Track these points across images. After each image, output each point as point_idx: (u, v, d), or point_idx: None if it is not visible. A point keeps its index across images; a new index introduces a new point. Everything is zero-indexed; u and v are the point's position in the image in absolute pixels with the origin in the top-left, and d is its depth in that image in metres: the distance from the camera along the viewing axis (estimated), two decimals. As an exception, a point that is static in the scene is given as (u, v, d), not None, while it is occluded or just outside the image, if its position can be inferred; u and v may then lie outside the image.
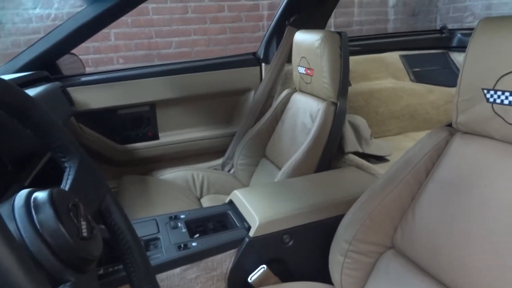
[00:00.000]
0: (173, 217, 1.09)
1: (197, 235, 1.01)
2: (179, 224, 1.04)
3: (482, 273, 0.70)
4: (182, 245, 0.94)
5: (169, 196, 1.50)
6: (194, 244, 0.95)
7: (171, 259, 0.90)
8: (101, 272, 0.83)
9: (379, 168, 1.26)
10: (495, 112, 0.75)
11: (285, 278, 1.01)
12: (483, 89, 0.76)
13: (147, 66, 1.75)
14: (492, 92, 0.75)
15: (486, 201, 0.74)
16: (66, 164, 0.56)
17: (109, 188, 0.63)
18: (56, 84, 1.44)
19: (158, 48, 2.78)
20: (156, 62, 2.79)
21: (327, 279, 0.96)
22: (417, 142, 0.92)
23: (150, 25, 2.74)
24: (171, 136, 1.80)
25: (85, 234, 0.45)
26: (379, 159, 1.50)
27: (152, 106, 1.74)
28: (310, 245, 1.04)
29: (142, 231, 1.02)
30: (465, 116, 0.83)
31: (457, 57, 2.11)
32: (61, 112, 1.38)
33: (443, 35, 2.16)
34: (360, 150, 1.45)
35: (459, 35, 2.14)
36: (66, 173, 0.55)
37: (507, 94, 0.72)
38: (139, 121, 1.74)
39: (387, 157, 1.50)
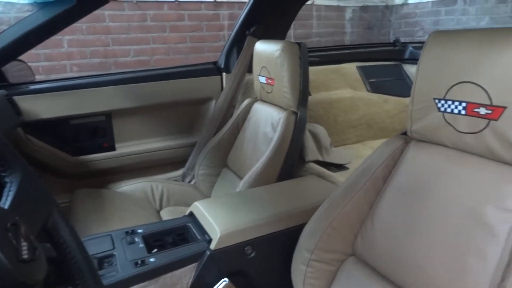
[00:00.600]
0: (130, 231, 1.04)
1: (156, 250, 0.97)
2: (136, 239, 1.00)
3: (440, 276, 0.72)
4: (139, 261, 0.90)
5: (126, 209, 1.44)
6: (152, 259, 0.91)
7: (127, 277, 0.85)
8: (48, 294, 0.77)
9: (339, 176, 1.28)
10: (446, 121, 0.78)
11: (247, 291, 0.99)
12: (434, 98, 0.80)
13: (103, 74, 1.68)
14: (443, 101, 0.78)
15: (441, 206, 0.77)
16: (6, 179, 0.52)
17: (56, 204, 0.58)
18: (1, 92, 1.34)
19: (116, 56, 2.70)
20: (113, 71, 2.70)
21: (289, 289, 0.95)
22: (374, 151, 0.95)
23: (106, 33, 2.65)
24: (129, 147, 1.73)
25: (25, 257, 0.41)
26: (339, 167, 1.53)
27: (108, 115, 1.67)
28: (272, 255, 1.03)
29: (96, 248, 0.96)
30: (419, 125, 0.86)
31: (410, 69, 2.21)
32: (5, 122, 1.28)
33: (396, 47, 2.27)
34: (321, 159, 1.46)
35: (410, 48, 2.26)
36: (6, 189, 0.51)
37: (456, 103, 0.75)
38: (93, 132, 1.66)
39: (347, 165, 1.53)
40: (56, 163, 1.58)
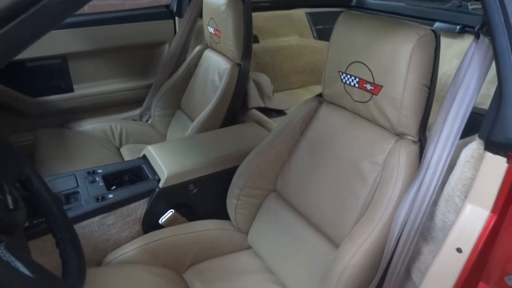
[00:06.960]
0: (91, 172, 1.21)
1: (114, 187, 1.16)
2: (97, 178, 1.18)
3: (329, 209, 0.98)
4: (100, 197, 1.09)
5: (88, 148, 1.59)
6: (110, 196, 1.10)
7: (90, 210, 1.05)
8: (26, 225, 0.96)
9: (274, 123, 1.48)
10: (346, 91, 0.98)
11: (191, 218, 1.23)
12: (339, 71, 0.98)
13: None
14: (344, 75, 0.97)
15: (335, 158, 1.00)
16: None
17: (27, 162, 0.74)
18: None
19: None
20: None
21: (225, 216, 1.20)
22: (295, 108, 1.14)
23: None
24: (87, 88, 1.82)
25: (11, 207, 0.58)
26: (280, 112, 1.73)
27: (64, 58, 1.72)
28: (211, 191, 1.25)
29: (62, 186, 1.13)
30: (329, 90, 1.05)
31: (357, 15, 2.32)
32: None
33: (345, -6, 2.34)
34: (263, 105, 1.65)
35: (358, -5, 2.35)
36: None
37: (353, 78, 0.94)
38: (49, 74, 1.72)
39: (286, 111, 1.73)
40: (16, 103, 1.66)
